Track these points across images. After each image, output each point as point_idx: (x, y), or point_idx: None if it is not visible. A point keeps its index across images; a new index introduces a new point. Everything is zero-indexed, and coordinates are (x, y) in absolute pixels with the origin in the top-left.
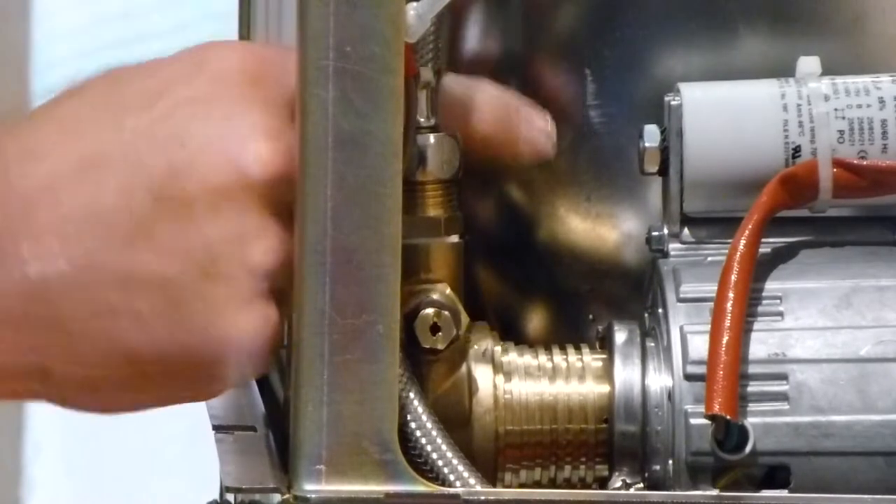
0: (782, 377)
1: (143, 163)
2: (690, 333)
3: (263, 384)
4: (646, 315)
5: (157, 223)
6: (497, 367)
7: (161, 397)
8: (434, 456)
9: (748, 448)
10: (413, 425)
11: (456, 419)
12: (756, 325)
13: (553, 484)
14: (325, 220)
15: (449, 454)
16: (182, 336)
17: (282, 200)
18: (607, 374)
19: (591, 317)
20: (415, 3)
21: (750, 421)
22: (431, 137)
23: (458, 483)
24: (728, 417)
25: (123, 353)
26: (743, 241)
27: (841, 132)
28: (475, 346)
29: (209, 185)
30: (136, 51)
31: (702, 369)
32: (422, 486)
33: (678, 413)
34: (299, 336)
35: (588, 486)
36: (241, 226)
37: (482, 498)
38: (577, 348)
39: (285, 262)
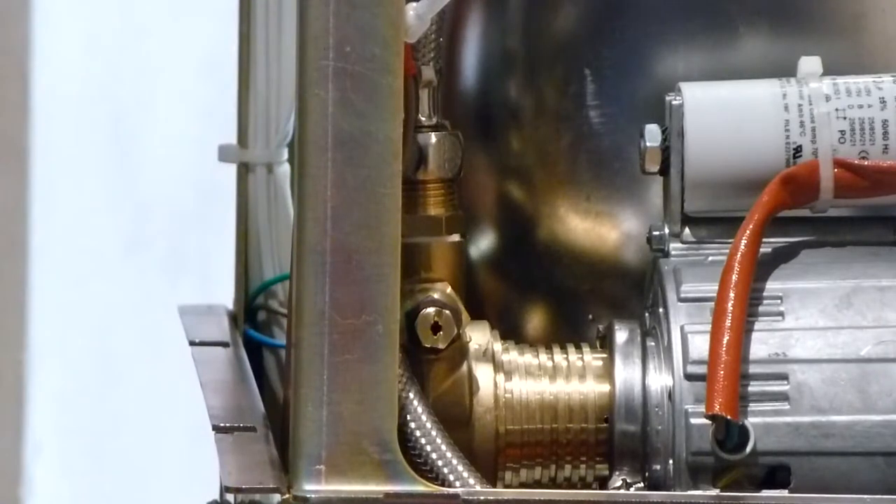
0: (783, 377)
1: None
2: (691, 333)
3: (263, 384)
4: (646, 314)
5: None
6: (498, 366)
7: None
8: (434, 456)
9: (749, 448)
10: (413, 425)
11: (456, 418)
12: (757, 325)
13: (553, 483)
14: (325, 220)
15: (448, 454)
16: None
17: None
18: (608, 373)
19: (590, 317)
20: (415, 4)
21: (750, 421)
22: (433, 136)
23: (457, 483)
24: (729, 417)
25: None
26: (744, 241)
27: (842, 132)
28: (476, 345)
29: None
30: (136, 50)
31: (702, 369)
32: (421, 486)
33: (679, 413)
34: (299, 336)
35: (588, 486)
36: None
37: (482, 498)
38: (578, 347)
39: None
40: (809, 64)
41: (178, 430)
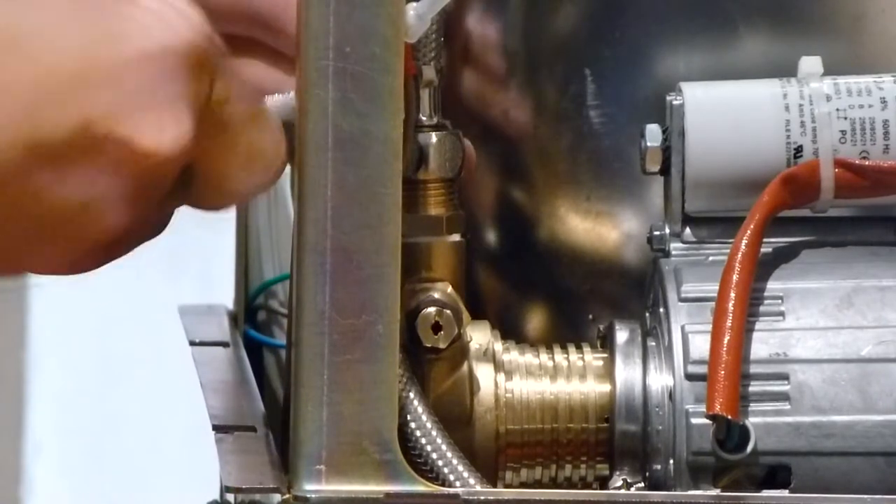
0: (783, 377)
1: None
2: (692, 333)
3: (263, 384)
4: (647, 314)
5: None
6: (498, 366)
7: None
8: (434, 456)
9: (749, 448)
10: (413, 425)
11: (457, 418)
12: (757, 325)
13: (554, 483)
14: (325, 220)
15: (449, 454)
16: None
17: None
18: (608, 373)
19: (591, 317)
20: (415, 3)
21: (751, 421)
22: (433, 136)
23: (457, 483)
24: (729, 417)
25: None
26: (744, 241)
27: (843, 132)
28: (476, 345)
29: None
30: None
31: (703, 369)
32: (421, 486)
33: (679, 412)
34: (299, 336)
35: (589, 486)
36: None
37: (482, 498)
38: (578, 347)
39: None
40: (810, 64)
41: (178, 430)
